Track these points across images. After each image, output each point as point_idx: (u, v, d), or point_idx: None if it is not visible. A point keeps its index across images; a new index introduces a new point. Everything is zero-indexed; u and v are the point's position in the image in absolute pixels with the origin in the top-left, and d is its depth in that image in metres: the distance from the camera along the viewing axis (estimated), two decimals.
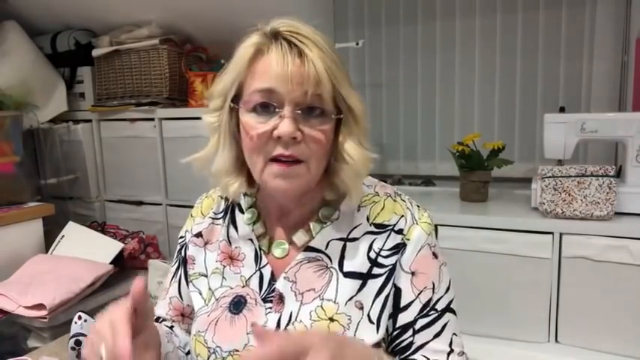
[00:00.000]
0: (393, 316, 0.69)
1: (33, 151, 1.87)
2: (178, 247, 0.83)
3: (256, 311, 0.70)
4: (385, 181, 0.78)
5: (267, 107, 0.63)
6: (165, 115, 1.76)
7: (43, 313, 1.20)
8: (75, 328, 1.01)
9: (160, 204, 1.83)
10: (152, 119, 1.78)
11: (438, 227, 1.33)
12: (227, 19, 1.64)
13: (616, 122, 1.33)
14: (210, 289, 0.75)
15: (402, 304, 0.69)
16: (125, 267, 1.54)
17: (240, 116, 0.66)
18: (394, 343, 0.69)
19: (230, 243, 0.76)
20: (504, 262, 1.30)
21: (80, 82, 1.96)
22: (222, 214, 0.79)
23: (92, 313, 1.05)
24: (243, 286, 0.72)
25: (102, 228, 1.74)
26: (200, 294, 0.76)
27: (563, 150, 1.37)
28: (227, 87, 0.67)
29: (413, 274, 0.69)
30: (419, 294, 0.68)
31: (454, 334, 0.70)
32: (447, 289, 0.71)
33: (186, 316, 0.83)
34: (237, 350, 0.68)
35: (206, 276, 0.76)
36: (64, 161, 1.92)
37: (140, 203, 1.88)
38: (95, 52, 1.87)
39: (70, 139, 1.91)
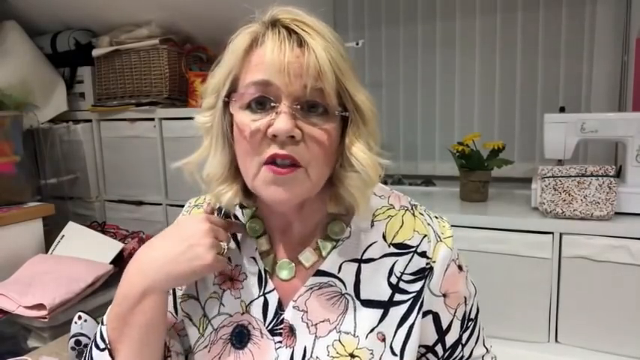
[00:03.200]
0: (441, 340, 0.66)
1: (33, 151, 1.87)
2: None
3: (264, 345, 0.63)
4: (385, 182, 0.74)
5: (262, 104, 0.56)
6: (165, 115, 1.76)
7: (43, 313, 1.19)
8: (75, 328, 1.01)
9: (160, 204, 1.83)
10: (152, 119, 1.78)
11: None
12: (227, 19, 1.63)
13: (616, 122, 1.33)
14: (205, 315, 0.67)
15: (444, 326, 0.66)
16: (125, 267, 1.54)
17: (233, 114, 0.59)
18: None
19: (230, 261, 0.67)
20: (504, 262, 1.30)
21: (80, 82, 1.95)
22: None
23: (92, 313, 1.05)
24: (243, 313, 0.65)
25: (102, 228, 1.74)
26: (191, 320, 0.68)
27: (563, 150, 1.37)
28: (220, 82, 0.60)
29: (444, 295, 0.65)
30: (455, 312, 0.66)
31: (482, 328, 0.72)
32: (475, 295, 0.70)
33: (177, 331, 0.72)
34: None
35: (197, 299, 0.68)
36: (64, 161, 1.92)
37: (140, 203, 1.88)
38: (95, 52, 1.87)
39: (70, 139, 1.91)
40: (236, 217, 0.70)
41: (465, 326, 0.67)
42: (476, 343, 0.69)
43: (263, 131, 0.56)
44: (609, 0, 1.61)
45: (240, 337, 0.64)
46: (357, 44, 1.72)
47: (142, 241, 1.63)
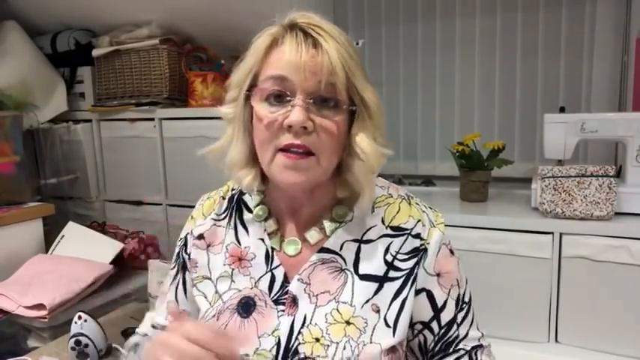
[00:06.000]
0: (436, 317, 0.71)
1: (33, 151, 1.88)
2: (177, 250, 0.81)
3: (267, 314, 0.69)
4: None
5: (280, 98, 0.63)
6: (165, 115, 1.76)
7: (43, 313, 1.20)
8: (75, 328, 1.01)
9: (160, 204, 1.83)
10: (152, 119, 1.78)
11: None
12: (227, 19, 1.64)
13: (616, 122, 1.33)
14: (217, 292, 0.73)
15: (439, 304, 0.71)
16: (125, 267, 1.54)
17: (254, 106, 0.66)
18: (442, 340, 0.72)
19: (240, 244, 0.74)
20: (504, 262, 1.30)
21: (80, 82, 1.96)
22: (225, 215, 0.78)
23: (92, 313, 1.05)
24: (252, 288, 0.71)
25: (102, 228, 1.74)
26: (205, 297, 0.74)
27: (563, 150, 1.37)
28: (242, 77, 0.67)
29: (438, 275, 0.71)
30: (449, 292, 0.71)
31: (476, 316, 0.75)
32: (466, 281, 0.75)
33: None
34: (248, 355, 0.67)
35: (210, 279, 0.75)
36: (64, 161, 1.92)
37: (140, 203, 1.88)
38: (95, 52, 1.87)
39: (70, 139, 1.91)
40: (246, 204, 0.76)
41: (459, 307, 0.72)
42: (471, 325, 0.74)
43: (280, 122, 0.63)
44: (609, 0, 1.61)
45: (247, 307, 0.70)
46: (357, 44, 1.72)
47: (141, 241, 1.63)
